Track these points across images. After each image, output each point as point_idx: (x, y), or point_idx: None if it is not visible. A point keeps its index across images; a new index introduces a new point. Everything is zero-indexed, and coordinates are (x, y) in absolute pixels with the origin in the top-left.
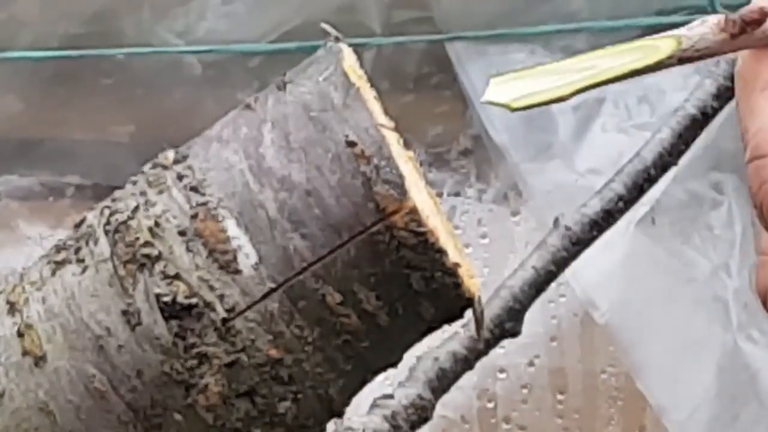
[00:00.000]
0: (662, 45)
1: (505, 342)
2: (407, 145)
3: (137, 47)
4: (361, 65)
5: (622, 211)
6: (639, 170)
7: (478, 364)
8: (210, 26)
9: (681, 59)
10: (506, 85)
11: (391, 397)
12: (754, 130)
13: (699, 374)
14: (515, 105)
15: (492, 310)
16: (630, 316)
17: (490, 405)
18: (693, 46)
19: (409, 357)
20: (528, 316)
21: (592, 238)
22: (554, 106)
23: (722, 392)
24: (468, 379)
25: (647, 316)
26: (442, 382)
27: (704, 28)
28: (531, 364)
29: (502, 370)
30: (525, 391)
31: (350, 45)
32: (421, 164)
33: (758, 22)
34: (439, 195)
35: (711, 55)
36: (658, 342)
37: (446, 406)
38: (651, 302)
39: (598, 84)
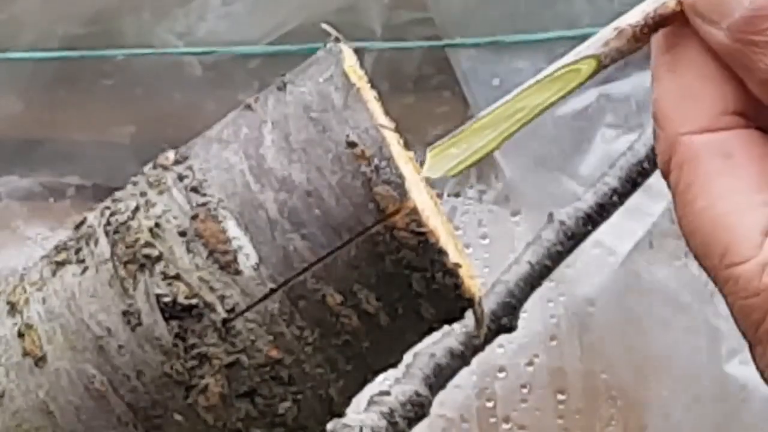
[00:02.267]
0: (583, 67)
1: (505, 342)
2: (407, 145)
3: (137, 48)
4: (362, 66)
5: (616, 205)
6: (632, 164)
7: (478, 364)
8: (210, 27)
9: (600, 71)
10: (443, 155)
11: (387, 393)
12: (652, 99)
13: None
14: (453, 172)
15: (487, 306)
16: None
17: (490, 404)
18: (610, 58)
19: (406, 353)
20: (527, 315)
21: (587, 233)
22: (553, 116)
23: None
24: (467, 378)
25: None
26: (439, 378)
27: (619, 41)
28: (530, 363)
29: (501, 370)
30: (524, 390)
31: (350, 46)
32: (421, 165)
33: (671, 19)
34: (440, 196)
35: (626, 56)
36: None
37: (445, 405)
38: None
39: (527, 123)
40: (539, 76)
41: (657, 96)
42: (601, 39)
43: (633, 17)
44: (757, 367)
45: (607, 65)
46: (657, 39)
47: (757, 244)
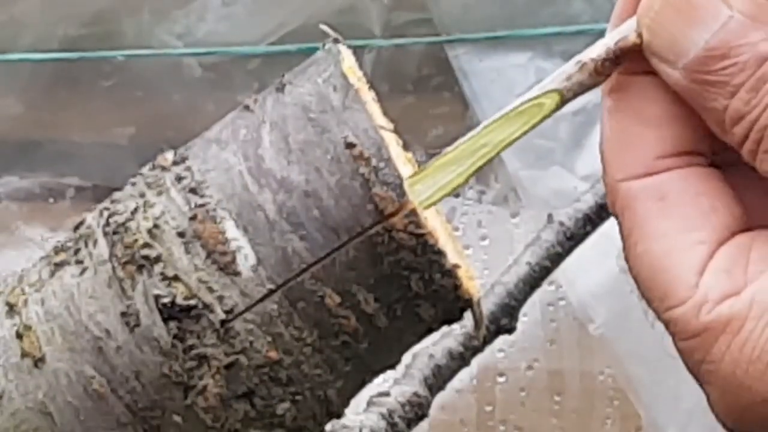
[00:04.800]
0: (546, 102)
1: (505, 346)
2: (407, 146)
3: (137, 49)
4: (362, 67)
5: None
6: None
7: (478, 369)
8: (210, 28)
9: (563, 105)
10: (408, 191)
11: (387, 394)
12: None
13: (690, 389)
14: (424, 206)
15: (487, 307)
16: (624, 330)
17: (489, 408)
18: (573, 92)
19: (405, 354)
20: (527, 319)
21: (586, 233)
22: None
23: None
24: (468, 382)
25: (640, 330)
26: (438, 379)
27: (582, 75)
28: (530, 367)
29: (501, 374)
30: (523, 393)
31: (350, 47)
32: (420, 166)
33: (632, 52)
34: None
35: (589, 90)
36: (650, 356)
37: (446, 408)
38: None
39: (492, 159)
40: (503, 111)
41: (600, 141)
42: (564, 73)
43: (595, 51)
44: (709, 405)
45: (569, 99)
46: (602, 84)
47: (692, 284)
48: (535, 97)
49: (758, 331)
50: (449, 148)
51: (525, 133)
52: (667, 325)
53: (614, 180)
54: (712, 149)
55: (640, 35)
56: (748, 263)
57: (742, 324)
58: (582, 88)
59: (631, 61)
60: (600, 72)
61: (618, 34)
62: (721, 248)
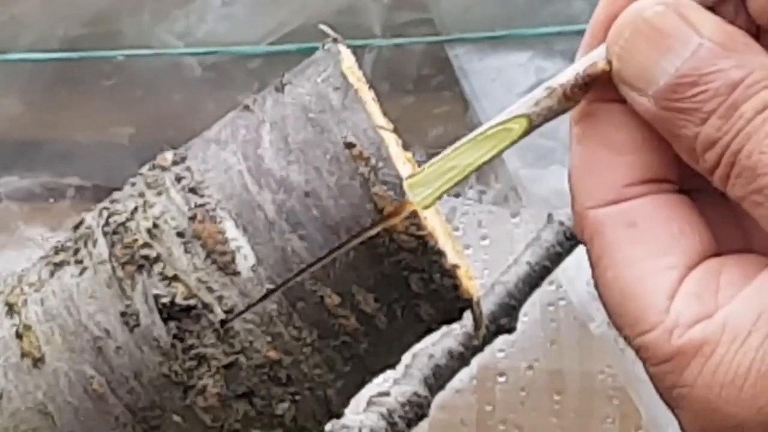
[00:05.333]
0: (514, 126)
1: (505, 346)
2: (407, 146)
3: (137, 49)
4: (362, 67)
5: None
6: None
7: (479, 369)
8: (210, 28)
9: (531, 131)
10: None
11: (387, 394)
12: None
13: None
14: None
15: (487, 307)
16: None
17: (489, 408)
18: (542, 117)
19: (405, 354)
20: (528, 319)
21: None
22: None
23: None
24: (468, 382)
25: None
26: (438, 379)
27: (551, 100)
28: (530, 367)
29: (501, 374)
30: (523, 393)
31: (350, 47)
32: (419, 167)
33: (601, 78)
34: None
35: (558, 115)
36: None
37: (446, 408)
38: None
39: (460, 181)
40: (471, 135)
41: (569, 168)
42: (533, 98)
43: (564, 77)
44: (681, 430)
45: (538, 125)
46: (571, 111)
47: (663, 309)
48: (504, 122)
49: (731, 354)
50: (415, 171)
51: (493, 158)
52: (638, 351)
53: (583, 207)
54: (681, 176)
55: (609, 62)
56: (718, 288)
57: (715, 347)
58: (551, 114)
59: (600, 89)
60: (569, 98)
61: (587, 60)
62: (691, 273)
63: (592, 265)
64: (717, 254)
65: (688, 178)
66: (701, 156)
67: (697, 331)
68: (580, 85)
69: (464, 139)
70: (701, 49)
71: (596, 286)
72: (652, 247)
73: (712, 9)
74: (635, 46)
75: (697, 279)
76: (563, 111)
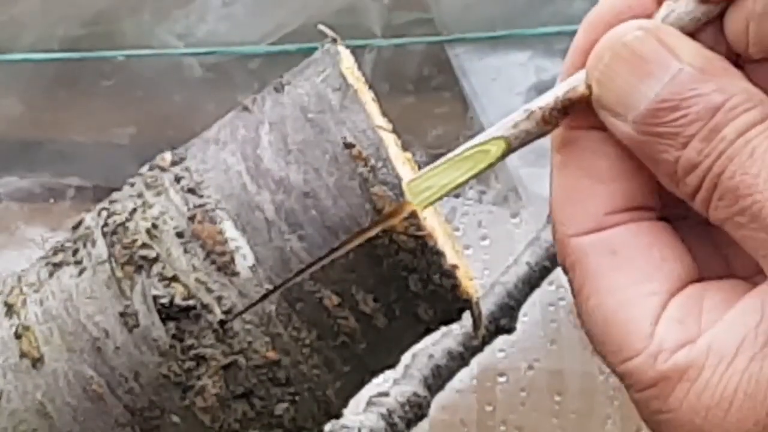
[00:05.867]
0: (492, 149)
1: (506, 346)
2: (407, 146)
3: (137, 49)
4: (362, 67)
5: None
6: None
7: (479, 369)
8: (210, 28)
9: (509, 153)
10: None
11: (386, 394)
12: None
13: None
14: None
15: (486, 307)
16: None
17: (490, 408)
18: (520, 140)
19: (404, 354)
20: (528, 319)
21: None
22: None
23: None
24: (468, 382)
25: None
26: (438, 379)
27: (529, 123)
28: (530, 367)
29: (502, 374)
30: (524, 394)
31: (351, 47)
32: (419, 167)
33: (580, 103)
34: None
35: (536, 139)
36: None
37: (446, 409)
38: None
39: (434, 202)
40: (449, 156)
41: (551, 197)
42: (511, 121)
43: (543, 100)
44: None
45: (516, 147)
46: (551, 139)
47: (647, 334)
48: (482, 143)
49: (716, 377)
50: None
51: (469, 179)
52: (622, 377)
53: (564, 235)
54: (661, 203)
55: (589, 87)
56: (701, 312)
57: (700, 371)
58: (529, 137)
59: (580, 116)
60: (547, 121)
61: (567, 84)
62: (674, 298)
63: (575, 294)
64: (699, 280)
65: (669, 204)
66: (682, 180)
67: (681, 356)
68: (559, 109)
69: (441, 159)
70: (681, 74)
71: (579, 314)
72: (635, 274)
73: (691, 35)
74: (615, 71)
75: (680, 304)
76: (542, 134)
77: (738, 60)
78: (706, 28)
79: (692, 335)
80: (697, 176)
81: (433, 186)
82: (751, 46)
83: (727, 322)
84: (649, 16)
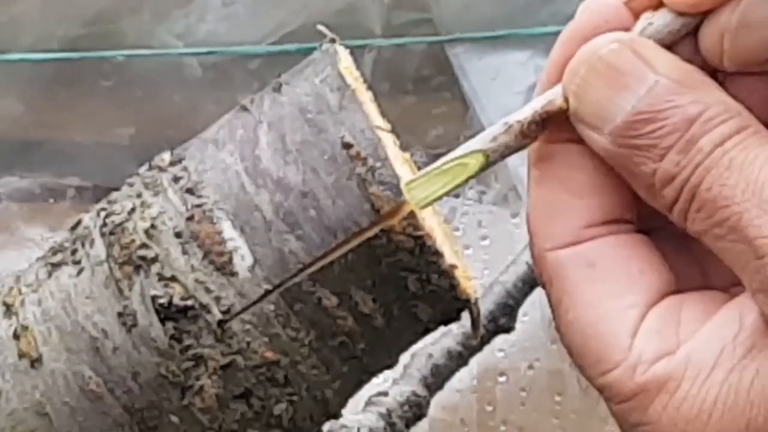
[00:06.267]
0: (470, 162)
1: (506, 346)
2: (407, 146)
3: (137, 49)
4: (362, 67)
5: None
6: None
7: (479, 368)
8: (210, 28)
9: (488, 167)
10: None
11: (385, 394)
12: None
13: None
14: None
15: (485, 306)
16: None
17: (490, 408)
18: (499, 154)
19: (403, 354)
20: (528, 319)
21: None
22: None
23: None
24: (468, 382)
25: None
26: (437, 378)
27: (508, 137)
28: (531, 367)
29: (502, 374)
30: (524, 393)
31: (350, 47)
32: (419, 168)
33: (558, 116)
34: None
35: (515, 152)
36: None
37: (446, 408)
38: None
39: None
40: (427, 169)
41: (527, 211)
42: (490, 134)
43: (521, 114)
44: None
45: (495, 161)
46: (528, 153)
47: (626, 347)
48: (460, 157)
49: (696, 389)
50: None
51: (447, 192)
52: (601, 390)
53: (542, 249)
54: (639, 215)
55: (566, 100)
56: (679, 324)
57: (679, 383)
58: (508, 150)
59: (557, 129)
60: (526, 135)
61: (545, 98)
62: (652, 310)
63: (553, 307)
64: (677, 291)
65: (646, 216)
66: (660, 192)
67: (660, 368)
68: (537, 123)
69: (420, 173)
70: (657, 86)
71: (557, 328)
72: (613, 286)
73: (669, 48)
74: (591, 84)
75: (659, 316)
76: (520, 148)
77: (714, 72)
78: (684, 41)
79: (671, 347)
80: (674, 188)
81: (412, 198)
82: (725, 59)
83: (705, 334)
84: (626, 31)
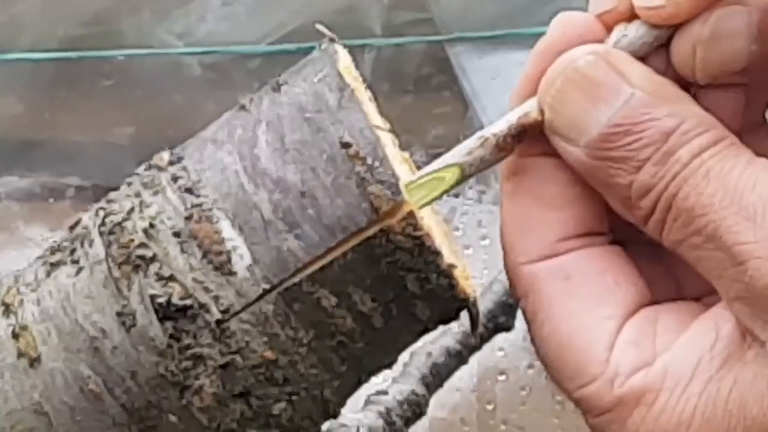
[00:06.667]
0: (447, 176)
1: (506, 345)
2: (407, 146)
3: (137, 49)
4: (362, 67)
5: None
6: None
7: (479, 367)
8: (210, 28)
9: (464, 180)
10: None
11: (384, 393)
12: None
13: None
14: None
15: (485, 305)
16: None
17: (490, 407)
18: (475, 167)
19: (402, 353)
20: None
21: None
22: None
23: None
24: (468, 381)
25: None
26: (436, 377)
27: (484, 150)
28: (531, 366)
29: (502, 373)
30: (524, 393)
31: (350, 47)
32: (418, 167)
33: (533, 128)
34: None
35: (491, 165)
36: None
37: (446, 407)
38: None
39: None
40: (420, 173)
41: (501, 224)
42: (465, 148)
43: (497, 127)
44: None
45: (471, 174)
46: (501, 167)
47: (603, 359)
48: (436, 171)
49: (674, 401)
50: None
51: (424, 206)
52: (579, 403)
53: (516, 263)
54: (612, 227)
55: (541, 112)
56: (656, 335)
57: (657, 395)
58: (484, 164)
59: (530, 143)
60: (502, 148)
61: (520, 111)
62: (628, 322)
63: (528, 321)
64: (651, 303)
65: (619, 229)
66: (636, 204)
67: (637, 380)
68: (513, 136)
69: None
70: (633, 99)
71: (533, 341)
72: (588, 299)
73: (642, 60)
74: (566, 96)
75: (635, 328)
76: (496, 161)
77: (686, 86)
78: (656, 53)
79: (648, 358)
80: (650, 199)
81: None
82: (697, 71)
83: (682, 345)
84: (600, 44)
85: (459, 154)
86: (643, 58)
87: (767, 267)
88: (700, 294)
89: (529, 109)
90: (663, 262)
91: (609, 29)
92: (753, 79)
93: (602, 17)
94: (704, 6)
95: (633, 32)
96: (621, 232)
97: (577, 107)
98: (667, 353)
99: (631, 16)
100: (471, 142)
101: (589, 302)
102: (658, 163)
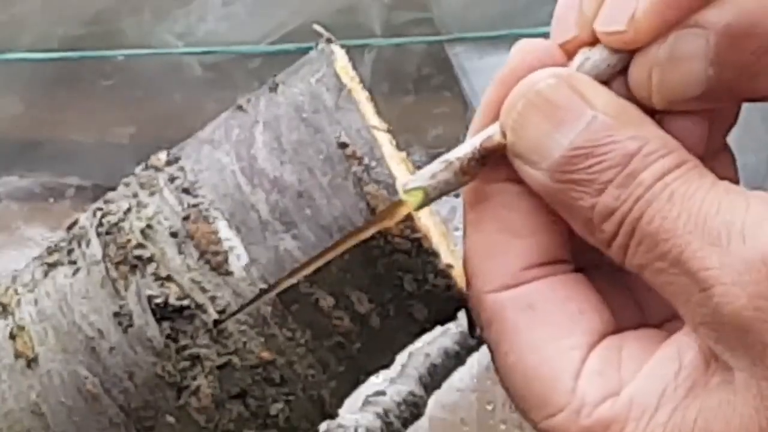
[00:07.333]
0: (410, 199)
1: None
2: (407, 146)
3: (137, 49)
4: (362, 67)
5: None
6: None
7: (479, 367)
8: (210, 28)
9: (428, 203)
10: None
11: (382, 394)
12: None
13: None
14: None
15: None
16: None
17: (490, 407)
18: (438, 191)
19: (400, 353)
20: None
21: None
22: None
23: None
24: (468, 381)
25: None
26: (434, 378)
27: (447, 173)
28: None
29: None
30: None
31: (351, 46)
32: (417, 167)
33: (496, 152)
34: None
35: (455, 189)
36: None
37: (446, 407)
38: None
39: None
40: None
41: (464, 254)
42: (429, 171)
43: (461, 150)
44: None
45: (435, 198)
46: (464, 195)
47: (569, 389)
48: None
49: (640, 430)
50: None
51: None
52: None
53: (480, 292)
54: (575, 254)
55: (504, 135)
56: (620, 364)
57: (623, 425)
58: (448, 187)
59: (494, 168)
60: (466, 171)
61: (484, 134)
62: (593, 351)
63: (492, 350)
64: (616, 330)
65: (580, 254)
66: (599, 227)
67: (604, 410)
68: (477, 159)
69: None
70: (595, 122)
71: (497, 370)
72: (553, 329)
73: (605, 83)
74: (528, 119)
75: (600, 357)
76: (460, 184)
77: (651, 111)
78: (620, 77)
79: (614, 388)
80: (613, 222)
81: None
82: (654, 95)
83: (646, 374)
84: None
85: (423, 177)
86: (606, 82)
87: (733, 293)
88: (663, 318)
89: (492, 133)
90: (625, 287)
91: (570, 57)
92: (712, 105)
93: (564, 46)
94: (665, 30)
95: (596, 56)
96: (582, 258)
97: (538, 130)
98: (633, 383)
99: (594, 41)
100: (435, 166)
101: (554, 332)
102: (621, 185)
